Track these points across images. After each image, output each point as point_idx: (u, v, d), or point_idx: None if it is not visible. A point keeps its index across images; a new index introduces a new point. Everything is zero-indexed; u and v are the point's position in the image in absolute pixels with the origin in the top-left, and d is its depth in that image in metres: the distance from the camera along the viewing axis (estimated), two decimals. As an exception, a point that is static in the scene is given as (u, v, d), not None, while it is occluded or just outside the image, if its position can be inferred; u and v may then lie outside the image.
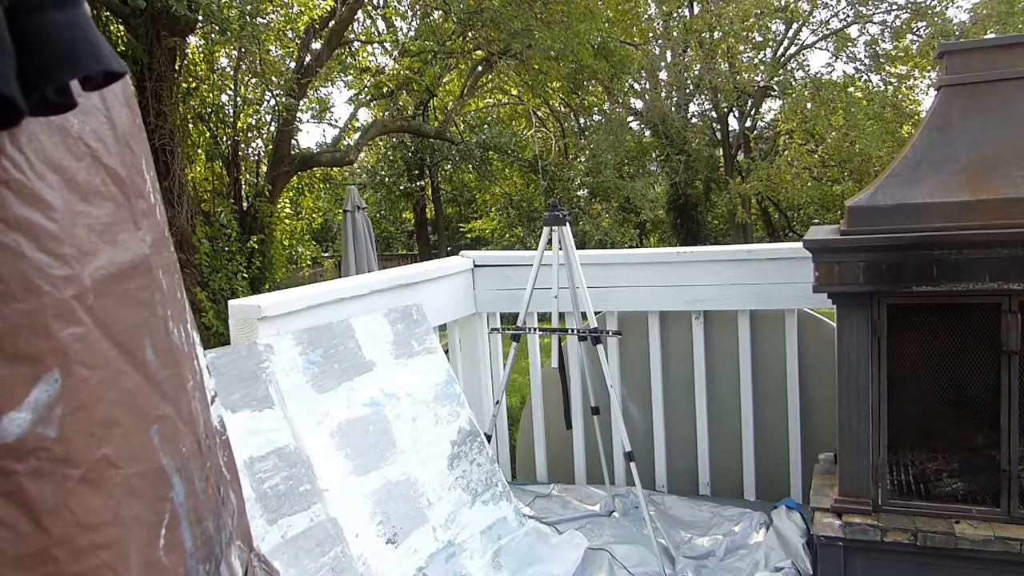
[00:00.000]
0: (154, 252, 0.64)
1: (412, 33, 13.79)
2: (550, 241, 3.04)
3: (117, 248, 0.57)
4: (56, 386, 0.49)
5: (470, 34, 12.99)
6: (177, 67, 8.76)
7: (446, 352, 3.26)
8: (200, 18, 7.90)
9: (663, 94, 19.20)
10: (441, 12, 12.69)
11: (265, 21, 9.00)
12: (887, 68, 17.84)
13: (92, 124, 0.57)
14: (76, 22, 0.49)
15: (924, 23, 16.57)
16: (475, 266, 3.64)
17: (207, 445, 0.72)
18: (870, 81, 18.01)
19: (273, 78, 9.73)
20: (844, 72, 18.37)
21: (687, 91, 19.48)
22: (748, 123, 20.63)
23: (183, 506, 0.64)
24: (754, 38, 18.33)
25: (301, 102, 10.65)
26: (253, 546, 0.91)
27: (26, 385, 0.47)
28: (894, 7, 17.18)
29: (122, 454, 0.55)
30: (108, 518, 0.53)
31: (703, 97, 19.88)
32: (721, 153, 20.40)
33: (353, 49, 13.68)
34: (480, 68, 14.56)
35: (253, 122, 10.39)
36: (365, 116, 15.47)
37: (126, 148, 0.62)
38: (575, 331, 3.21)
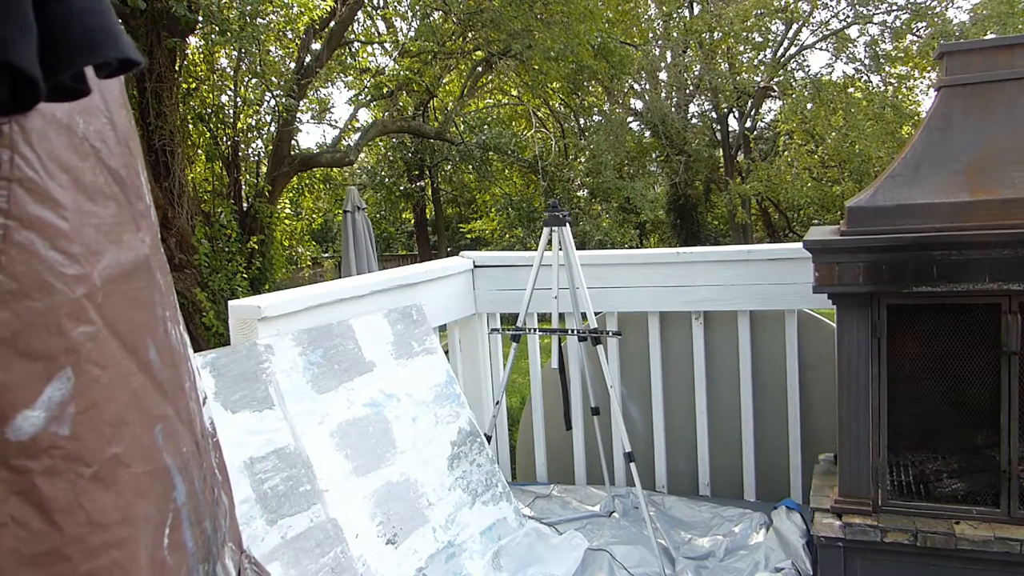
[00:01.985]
0: (152, 253, 0.65)
1: (412, 34, 13.79)
2: (550, 241, 3.04)
3: (121, 248, 0.58)
4: (69, 384, 0.49)
5: (470, 35, 12.99)
6: (177, 68, 8.75)
7: (446, 353, 3.26)
8: (200, 19, 7.90)
9: (663, 95, 19.21)
10: (441, 13, 12.69)
11: (265, 22, 8.99)
12: (887, 69, 17.84)
13: (96, 124, 0.57)
14: (98, 8, 0.49)
15: (924, 24, 16.57)
16: (475, 267, 3.64)
17: (203, 446, 0.73)
18: (870, 82, 18.02)
19: (273, 79, 9.72)
20: (844, 73, 18.40)
21: (687, 92, 19.49)
22: (748, 124, 20.64)
23: (185, 506, 0.64)
24: (754, 38, 18.34)
25: (301, 103, 10.64)
26: (244, 547, 0.92)
27: (40, 383, 0.47)
28: (894, 8, 17.18)
29: (131, 453, 0.55)
30: (119, 517, 0.53)
31: (703, 98, 19.89)
32: (721, 154, 20.40)
33: (353, 50, 13.68)
34: (480, 69, 14.56)
35: (253, 123, 10.38)
36: (365, 117, 15.46)
37: (126, 149, 0.62)
38: (575, 331, 3.21)
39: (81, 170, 0.53)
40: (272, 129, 10.42)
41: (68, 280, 0.49)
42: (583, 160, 17.59)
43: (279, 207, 11.46)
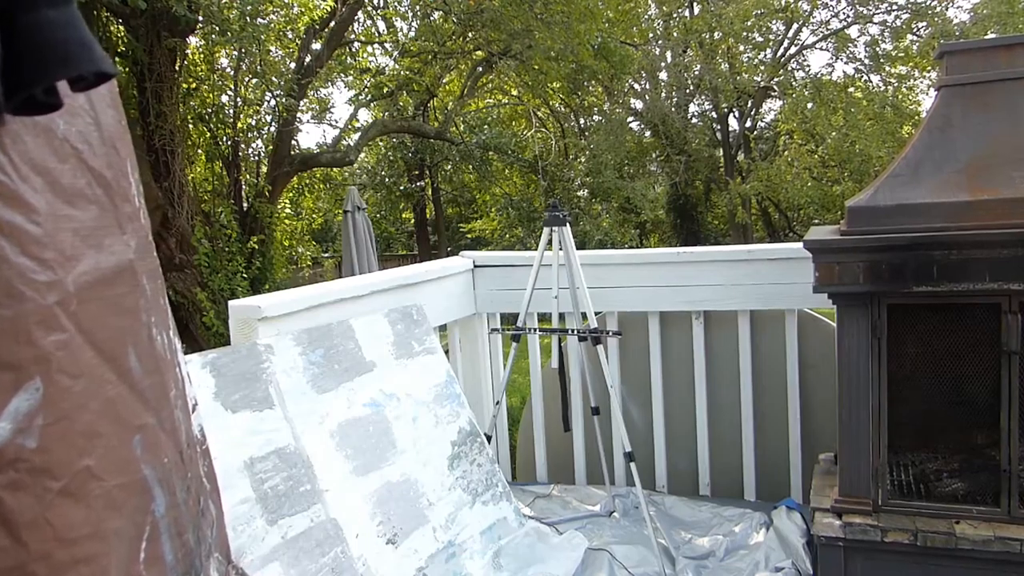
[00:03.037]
0: (138, 257, 0.63)
1: (412, 33, 13.79)
2: (550, 241, 3.04)
3: (102, 253, 0.56)
4: (37, 395, 0.47)
5: (470, 34, 12.98)
6: (177, 67, 8.75)
7: (446, 352, 3.26)
8: (200, 19, 7.89)
9: (663, 94, 19.19)
10: (441, 12, 12.68)
11: (265, 22, 8.99)
12: (887, 68, 17.83)
13: (78, 126, 0.56)
14: (69, 21, 0.48)
15: (924, 23, 16.56)
16: (475, 266, 3.64)
17: (188, 455, 0.71)
18: (870, 81, 18.01)
19: (273, 79, 9.72)
20: (844, 72, 18.36)
21: (687, 91, 19.47)
22: (748, 123, 20.62)
23: (164, 518, 0.62)
24: (754, 38, 18.32)
25: (301, 102, 10.64)
26: (231, 558, 0.90)
27: (6, 394, 0.46)
28: (894, 7, 17.17)
29: (104, 465, 0.53)
30: (88, 532, 0.51)
31: (703, 97, 19.87)
32: (721, 153, 20.39)
33: (353, 49, 13.66)
34: (480, 68, 14.55)
35: (253, 122, 10.38)
36: (365, 116, 15.45)
37: (112, 150, 0.60)
38: (575, 331, 3.21)
39: (59, 172, 0.51)
40: (272, 129, 10.42)
41: (39, 287, 0.47)
42: (583, 160, 17.59)
43: (279, 207, 11.46)
